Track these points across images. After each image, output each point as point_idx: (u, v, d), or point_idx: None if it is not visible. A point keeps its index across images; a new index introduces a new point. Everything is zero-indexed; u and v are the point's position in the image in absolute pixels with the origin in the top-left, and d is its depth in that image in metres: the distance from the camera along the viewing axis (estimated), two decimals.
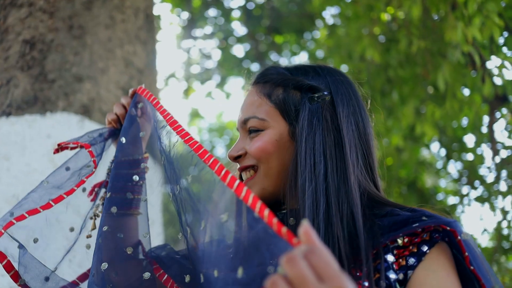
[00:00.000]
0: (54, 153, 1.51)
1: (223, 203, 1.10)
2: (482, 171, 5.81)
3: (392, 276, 1.06)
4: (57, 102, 2.42)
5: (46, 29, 2.53)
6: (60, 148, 1.51)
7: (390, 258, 1.08)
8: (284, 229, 0.80)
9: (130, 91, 1.55)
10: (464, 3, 3.88)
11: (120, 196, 1.43)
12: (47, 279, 1.39)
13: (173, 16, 7.94)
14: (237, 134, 1.41)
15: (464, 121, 5.91)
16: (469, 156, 6.10)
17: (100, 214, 1.44)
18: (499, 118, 5.30)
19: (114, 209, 1.40)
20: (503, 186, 5.33)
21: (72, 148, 1.50)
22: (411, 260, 1.06)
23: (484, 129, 5.67)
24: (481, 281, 1.02)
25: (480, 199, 5.59)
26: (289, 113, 1.28)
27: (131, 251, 1.38)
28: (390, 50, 5.00)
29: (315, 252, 0.69)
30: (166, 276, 1.37)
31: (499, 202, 5.31)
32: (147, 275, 1.34)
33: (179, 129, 1.27)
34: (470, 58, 4.42)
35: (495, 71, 4.39)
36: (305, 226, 0.71)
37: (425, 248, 1.07)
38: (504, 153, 5.30)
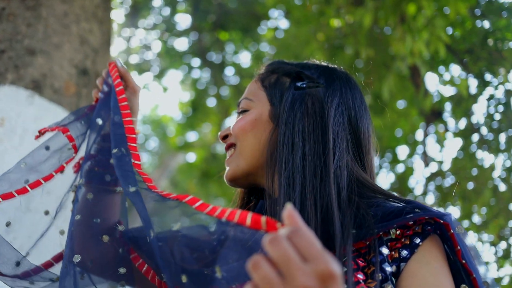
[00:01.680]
0: (36, 138, 1.46)
1: (175, 215, 1.08)
2: (412, 182, 6.00)
3: (388, 269, 1.05)
4: (5, 74, 2.28)
5: None
6: (41, 134, 1.46)
7: (384, 250, 1.07)
8: (263, 219, 0.78)
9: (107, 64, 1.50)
10: (414, 16, 4.00)
11: (103, 171, 1.37)
12: (18, 264, 1.32)
13: (116, 3, 7.72)
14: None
15: (399, 133, 6.09)
16: (400, 167, 6.28)
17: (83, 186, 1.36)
18: (432, 133, 5.50)
19: (90, 195, 1.33)
20: (430, 198, 5.54)
21: (53, 130, 1.44)
22: (404, 252, 1.06)
23: (417, 142, 5.86)
24: (472, 275, 1.03)
25: None
26: (273, 96, 1.31)
27: (107, 239, 1.32)
28: (335, 56, 5.07)
29: (298, 233, 0.67)
30: (146, 266, 1.31)
31: None
32: (123, 270, 1.28)
33: (131, 136, 1.29)
34: (412, 71, 4.56)
35: (434, 87, 4.56)
36: (289, 209, 0.69)
37: (417, 240, 1.07)
38: (434, 167, 5.50)
